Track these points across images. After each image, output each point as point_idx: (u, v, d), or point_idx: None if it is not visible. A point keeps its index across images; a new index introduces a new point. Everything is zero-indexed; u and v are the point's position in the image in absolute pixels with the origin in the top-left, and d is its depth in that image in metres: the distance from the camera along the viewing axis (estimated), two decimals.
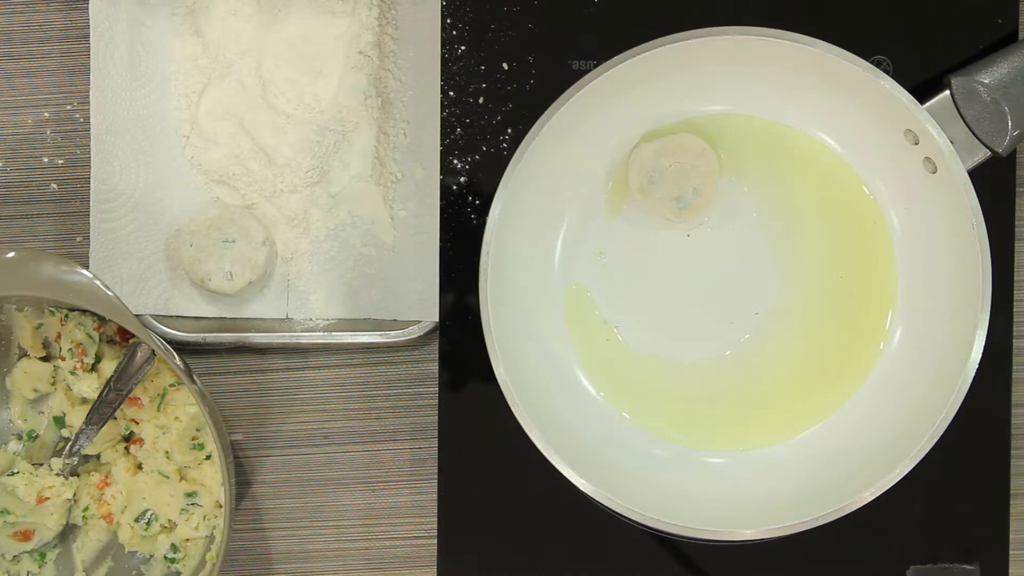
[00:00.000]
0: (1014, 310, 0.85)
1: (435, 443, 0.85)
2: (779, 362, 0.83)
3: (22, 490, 0.82)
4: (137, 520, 0.83)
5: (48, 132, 0.86)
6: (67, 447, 0.83)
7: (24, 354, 0.84)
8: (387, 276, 0.85)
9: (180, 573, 0.83)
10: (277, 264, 0.85)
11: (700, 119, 0.83)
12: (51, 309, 0.83)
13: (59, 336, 0.83)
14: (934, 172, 0.78)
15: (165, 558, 0.83)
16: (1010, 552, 0.84)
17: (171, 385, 0.83)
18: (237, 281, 0.82)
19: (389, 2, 0.84)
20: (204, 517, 0.83)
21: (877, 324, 0.83)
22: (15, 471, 0.83)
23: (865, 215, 0.83)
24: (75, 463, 0.83)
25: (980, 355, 0.76)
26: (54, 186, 0.86)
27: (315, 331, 0.84)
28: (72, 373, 0.82)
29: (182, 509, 0.83)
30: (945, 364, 0.78)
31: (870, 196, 0.82)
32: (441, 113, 0.84)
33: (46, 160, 0.86)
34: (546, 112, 0.77)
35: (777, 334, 0.83)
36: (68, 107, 0.86)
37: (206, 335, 0.84)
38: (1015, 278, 0.85)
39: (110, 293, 0.76)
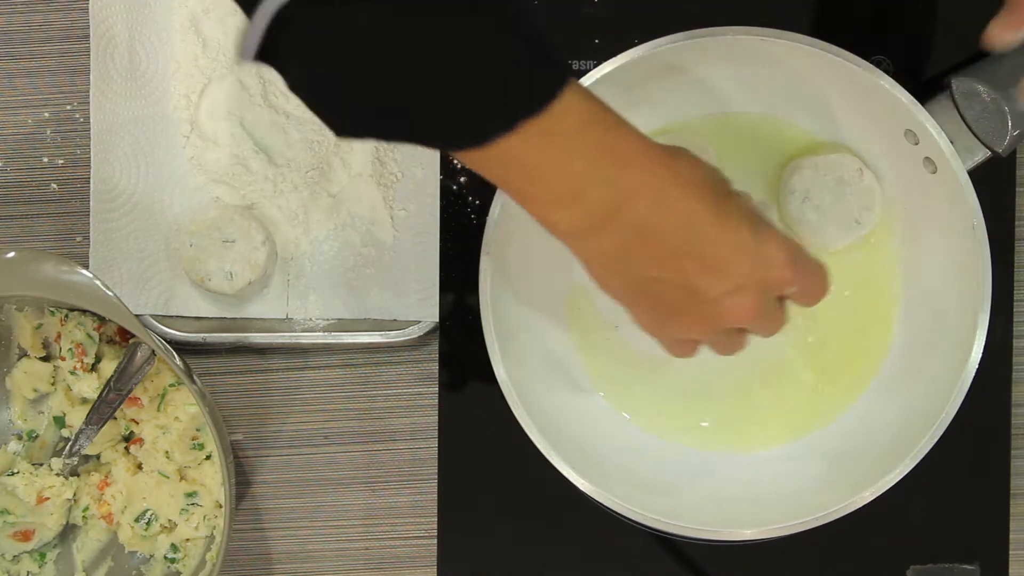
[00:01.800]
0: (1014, 310, 0.85)
1: (435, 443, 0.85)
2: (779, 363, 0.83)
3: (22, 490, 0.82)
4: (137, 520, 0.83)
5: (48, 132, 0.86)
6: (67, 447, 0.83)
7: (24, 354, 0.84)
8: (387, 276, 0.85)
9: (180, 573, 0.83)
10: (277, 264, 0.85)
11: (700, 119, 0.83)
12: (51, 309, 0.83)
13: (59, 336, 0.83)
14: (934, 172, 0.78)
15: (165, 558, 0.83)
16: (1010, 552, 0.84)
17: (171, 385, 0.83)
18: (237, 281, 0.82)
19: None
20: (204, 517, 0.83)
21: (878, 324, 0.83)
22: (15, 471, 0.83)
23: None
24: (75, 463, 0.83)
25: (980, 355, 0.76)
26: (54, 186, 0.86)
27: (315, 331, 0.84)
28: (72, 373, 0.82)
29: (182, 509, 0.83)
30: (945, 364, 0.78)
31: None
32: None
33: (46, 160, 0.86)
34: None
35: (777, 335, 0.83)
36: (68, 107, 0.86)
37: (206, 335, 0.84)
38: (1015, 278, 0.85)
39: (110, 293, 0.76)
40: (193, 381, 0.77)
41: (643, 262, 0.62)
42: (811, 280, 0.67)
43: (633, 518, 0.77)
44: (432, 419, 0.86)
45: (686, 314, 0.65)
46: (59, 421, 0.84)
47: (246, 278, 0.82)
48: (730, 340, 0.69)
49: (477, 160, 0.58)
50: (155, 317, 0.84)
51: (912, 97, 0.77)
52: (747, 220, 0.63)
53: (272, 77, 0.84)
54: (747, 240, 0.63)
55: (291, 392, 0.86)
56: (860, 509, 0.77)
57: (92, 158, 0.84)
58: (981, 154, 0.79)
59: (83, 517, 0.84)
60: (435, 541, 0.85)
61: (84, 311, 0.83)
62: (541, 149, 0.57)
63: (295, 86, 0.55)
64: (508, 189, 0.60)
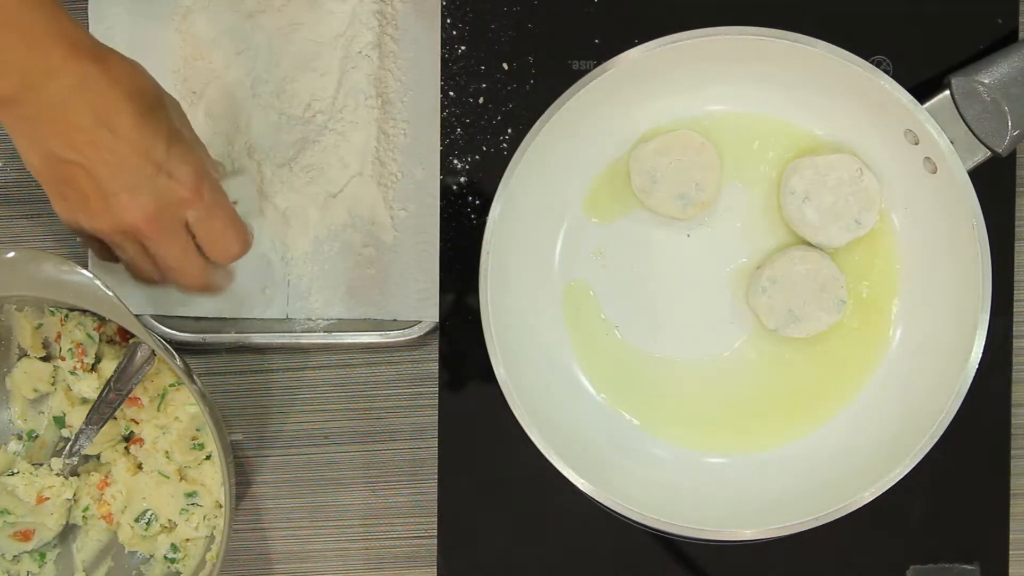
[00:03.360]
0: (1014, 310, 0.85)
1: (435, 443, 0.85)
2: (779, 363, 0.83)
3: (22, 490, 0.82)
4: (137, 520, 0.83)
5: None
6: (67, 447, 0.83)
7: (24, 354, 0.84)
8: (387, 276, 0.85)
9: (180, 573, 0.83)
10: (277, 264, 0.85)
11: (700, 118, 0.83)
12: (51, 309, 0.83)
13: (59, 336, 0.83)
14: (934, 172, 0.78)
15: (165, 558, 0.83)
16: (1010, 552, 0.84)
17: (171, 385, 0.83)
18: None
19: (389, 1, 0.84)
20: (204, 517, 0.83)
21: (878, 324, 0.83)
22: (15, 471, 0.83)
23: None
24: (75, 463, 0.83)
25: (980, 355, 0.76)
26: None
27: (315, 331, 0.84)
28: (72, 373, 0.82)
29: (182, 509, 0.83)
30: (945, 364, 0.78)
31: None
32: (441, 113, 0.84)
33: None
34: (546, 112, 0.77)
35: (777, 334, 0.83)
36: None
37: (206, 335, 0.84)
38: (1015, 278, 0.85)
39: (110, 293, 0.76)
40: (193, 381, 0.77)
41: (57, 141, 0.68)
42: (216, 215, 0.73)
43: (633, 518, 0.77)
44: (432, 419, 0.86)
45: (90, 202, 0.70)
46: (59, 421, 0.84)
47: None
48: (139, 257, 0.74)
49: None
50: (155, 317, 0.84)
51: (912, 97, 0.77)
52: (168, 132, 0.69)
53: (269, 77, 0.84)
54: (160, 148, 0.69)
55: (291, 392, 0.86)
56: (860, 509, 0.77)
57: None
58: (981, 154, 0.79)
59: (83, 517, 0.84)
60: (435, 541, 0.85)
61: (84, 311, 0.83)
62: None
63: None
64: None
